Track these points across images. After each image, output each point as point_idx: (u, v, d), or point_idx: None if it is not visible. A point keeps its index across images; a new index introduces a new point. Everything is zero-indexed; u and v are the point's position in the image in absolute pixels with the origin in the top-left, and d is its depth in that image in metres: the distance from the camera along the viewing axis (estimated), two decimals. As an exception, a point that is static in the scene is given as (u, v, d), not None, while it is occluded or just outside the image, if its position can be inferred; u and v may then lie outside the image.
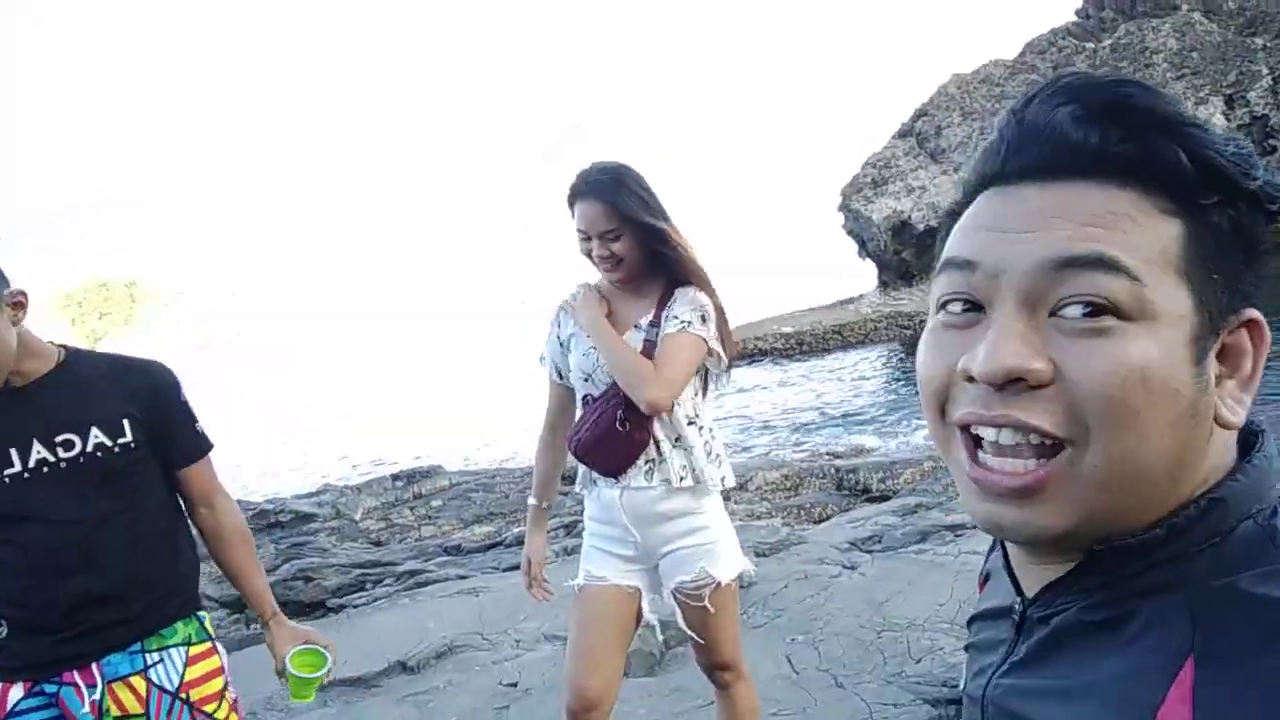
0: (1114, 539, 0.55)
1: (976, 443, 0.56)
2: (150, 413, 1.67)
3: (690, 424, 2.05)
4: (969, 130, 23.93)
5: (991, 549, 0.76)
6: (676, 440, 2.04)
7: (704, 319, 2.01)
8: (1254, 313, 0.55)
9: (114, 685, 1.60)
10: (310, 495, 8.90)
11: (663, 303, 2.04)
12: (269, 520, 7.53)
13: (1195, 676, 0.49)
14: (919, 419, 9.57)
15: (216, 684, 1.72)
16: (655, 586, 2.14)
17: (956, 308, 0.58)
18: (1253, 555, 0.52)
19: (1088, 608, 0.57)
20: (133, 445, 1.63)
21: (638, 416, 1.98)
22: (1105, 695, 0.53)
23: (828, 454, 9.31)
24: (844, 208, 25.51)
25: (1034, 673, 0.60)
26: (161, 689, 1.64)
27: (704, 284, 2.06)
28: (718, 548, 2.07)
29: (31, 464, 1.53)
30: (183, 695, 1.66)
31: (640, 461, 2.03)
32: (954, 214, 0.63)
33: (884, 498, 6.47)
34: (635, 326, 2.04)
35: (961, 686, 0.72)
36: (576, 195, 2.03)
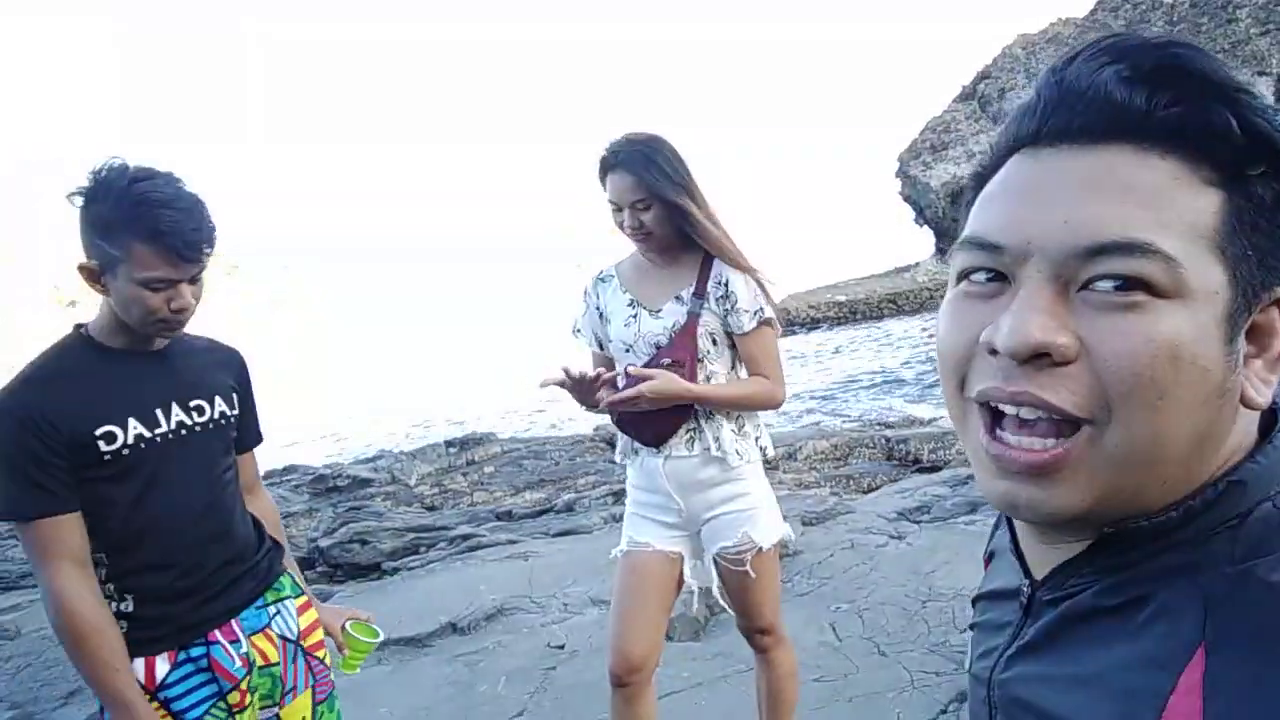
0: (1127, 521, 0.53)
1: (995, 418, 0.54)
2: (242, 391, 1.77)
3: None
4: (1033, 92, 23.15)
5: (996, 527, 0.75)
6: (710, 414, 2.06)
7: (767, 298, 2.06)
8: None
9: (254, 638, 1.68)
10: (367, 461, 9.14)
11: (704, 274, 2.04)
12: (327, 485, 7.76)
13: (1206, 665, 0.47)
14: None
15: (320, 633, 1.82)
16: (697, 552, 2.16)
17: (981, 277, 0.56)
18: (1270, 539, 0.50)
19: (1099, 592, 0.55)
20: (237, 416, 1.73)
21: None
22: (1114, 683, 0.52)
23: (879, 424, 9.23)
24: (901, 173, 24.95)
25: (1042, 658, 0.58)
26: (285, 638, 1.73)
27: (738, 260, 2.05)
28: (759, 514, 2.09)
29: (172, 425, 1.59)
30: (301, 643, 1.76)
31: (681, 431, 2.05)
32: (980, 177, 0.60)
33: (935, 469, 6.40)
34: (676, 299, 2.05)
35: (967, 666, 0.71)
36: (607, 167, 2.03)
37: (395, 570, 5.16)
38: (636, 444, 2.13)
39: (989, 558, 0.76)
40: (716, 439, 2.05)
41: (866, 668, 3.01)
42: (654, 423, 2.05)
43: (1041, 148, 0.55)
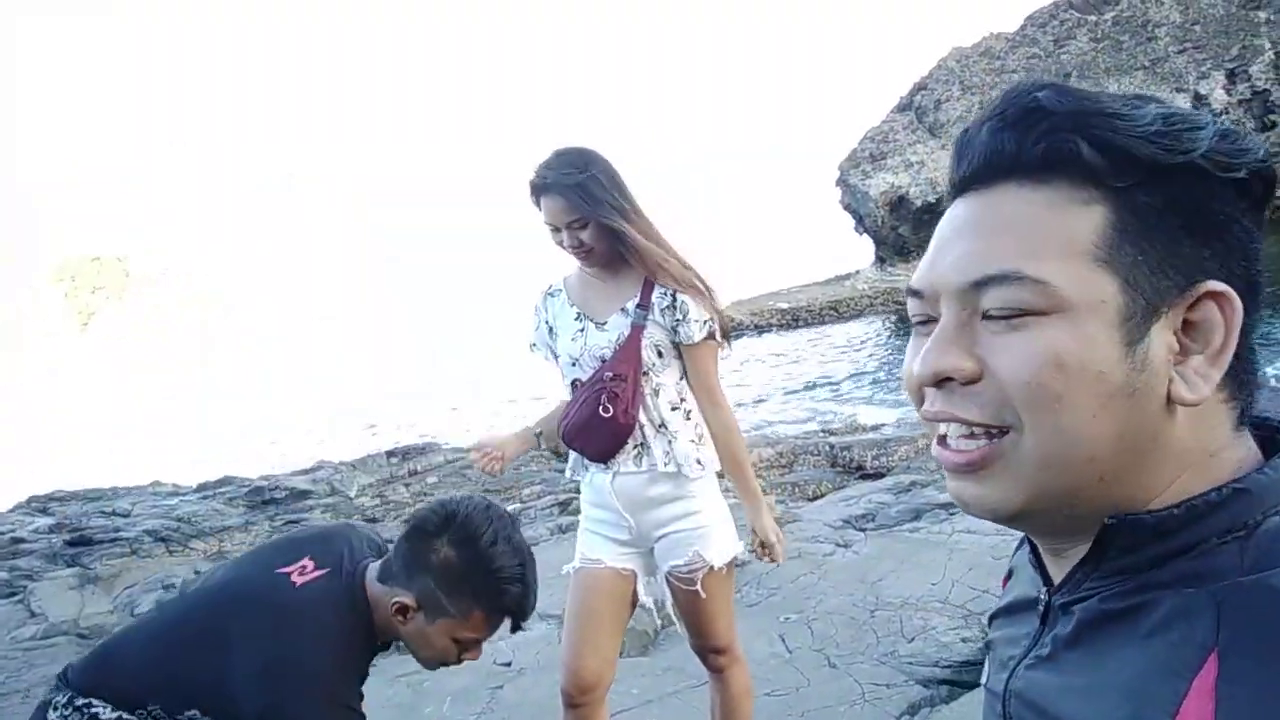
0: (1124, 510, 0.55)
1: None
2: None
3: (674, 409, 2.03)
4: (968, 104, 23.71)
5: (1019, 546, 0.77)
6: (660, 427, 2.02)
7: (714, 311, 2.04)
8: (1214, 284, 0.54)
9: None
10: (305, 472, 8.90)
11: (648, 285, 2.01)
12: (264, 497, 7.53)
13: (1218, 671, 0.49)
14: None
15: None
16: (650, 569, 2.13)
17: (919, 318, 0.64)
18: None
19: (1111, 598, 0.57)
20: None
21: (622, 402, 1.96)
22: (1128, 689, 0.53)
23: (822, 431, 9.32)
24: (841, 182, 25.35)
25: (1058, 666, 0.60)
26: None
27: (679, 276, 2.01)
28: (711, 531, 2.06)
29: None
30: None
31: (629, 446, 2.01)
32: None
33: (878, 475, 6.47)
34: (621, 310, 2.02)
35: (983, 681, 0.73)
36: (538, 191, 1.99)
37: (335, 586, 5.02)
38: (585, 460, 2.09)
39: (1008, 576, 0.78)
40: (667, 453, 2.01)
41: (817, 680, 3.01)
42: (597, 439, 2.01)
43: (957, 198, 0.63)
